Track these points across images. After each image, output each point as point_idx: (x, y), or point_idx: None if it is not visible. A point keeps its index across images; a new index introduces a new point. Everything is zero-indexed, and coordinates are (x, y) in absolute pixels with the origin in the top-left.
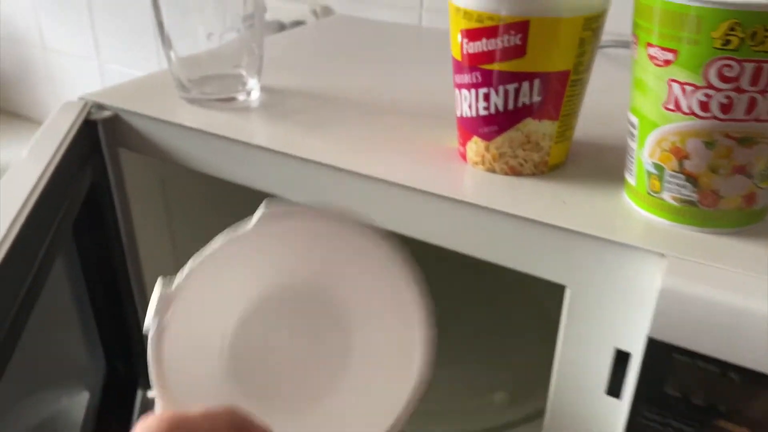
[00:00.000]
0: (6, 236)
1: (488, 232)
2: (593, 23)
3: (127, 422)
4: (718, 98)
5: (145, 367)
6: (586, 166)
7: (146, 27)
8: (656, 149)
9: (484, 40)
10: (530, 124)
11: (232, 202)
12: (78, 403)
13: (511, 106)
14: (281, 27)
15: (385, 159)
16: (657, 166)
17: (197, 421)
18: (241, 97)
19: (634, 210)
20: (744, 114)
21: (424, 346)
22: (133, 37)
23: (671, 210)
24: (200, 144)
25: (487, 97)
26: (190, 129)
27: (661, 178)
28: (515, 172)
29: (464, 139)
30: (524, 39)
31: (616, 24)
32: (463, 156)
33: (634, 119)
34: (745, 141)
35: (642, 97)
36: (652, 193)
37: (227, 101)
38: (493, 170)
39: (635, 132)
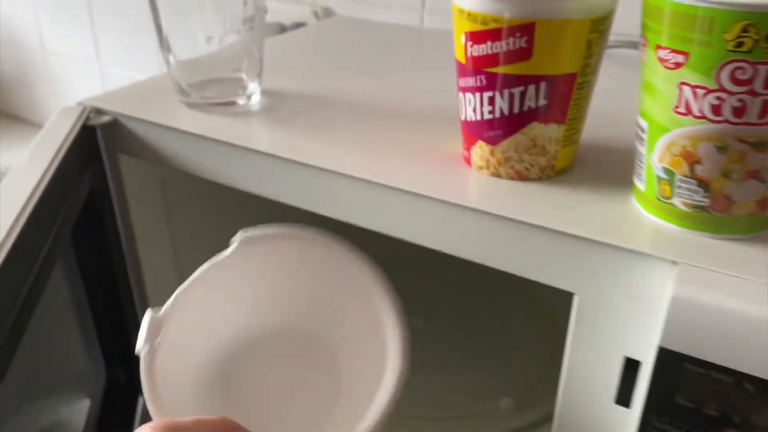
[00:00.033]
0: (3, 243)
1: (494, 239)
2: (601, 24)
3: (128, 430)
4: (731, 102)
5: None
6: (593, 170)
7: (147, 29)
8: (666, 154)
9: (488, 43)
10: (536, 128)
11: (233, 208)
12: (78, 410)
13: (516, 109)
14: (282, 29)
15: (388, 163)
16: (667, 171)
17: (190, 427)
18: (241, 101)
19: (644, 216)
20: (758, 118)
21: (397, 358)
22: (134, 39)
23: (682, 216)
24: (200, 149)
25: (492, 101)
26: (190, 134)
27: (671, 183)
28: (521, 176)
29: (469, 144)
30: (530, 41)
31: (622, 24)
32: (468, 160)
33: (643, 123)
34: (759, 145)
35: (651, 101)
36: (662, 199)
37: (227, 105)
38: (498, 175)
39: (644, 136)
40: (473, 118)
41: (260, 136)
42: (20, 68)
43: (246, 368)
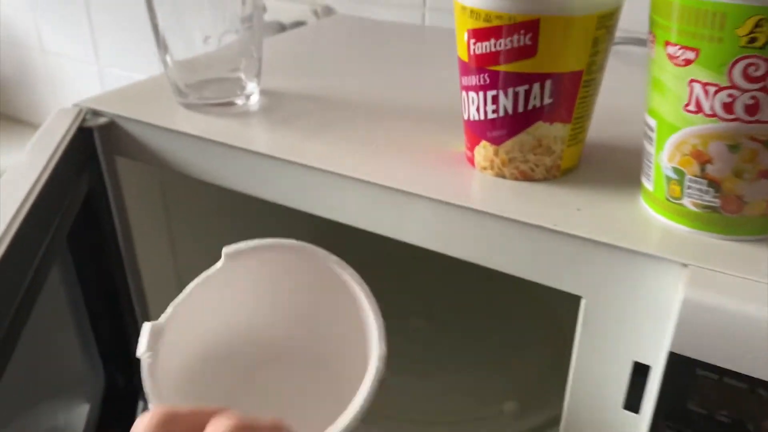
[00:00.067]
0: None
1: (498, 241)
2: (607, 21)
3: None
4: (743, 99)
5: None
6: (599, 169)
7: (146, 29)
8: (676, 153)
9: (492, 41)
10: (541, 128)
11: (232, 209)
12: (78, 415)
13: (521, 108)
14: (281, 28)
15: (390, 164)
16: (677, 171)
17: (188, 414)
18: (239, 101)
19: (652, 216)
20: None
21: (377, 360)
22: (134, 40)
23: (692, 216)
24: (198, 151)
25: (495, 100)
26: (188, 135)
27: (681, 183)
28: (526, 177)
29: (472, 144)
30: (534, 39)
31: (628, 20)
32: (471, 161)
33: (652, 121)
34: None
35: (660, 99)
36: (671, 199)
37: (226, 106)
38: (502, 175)
39: (653, 135)
40: (476, 118)
41: (259, 137)
42: (19, 69)
43: (244, 372)
